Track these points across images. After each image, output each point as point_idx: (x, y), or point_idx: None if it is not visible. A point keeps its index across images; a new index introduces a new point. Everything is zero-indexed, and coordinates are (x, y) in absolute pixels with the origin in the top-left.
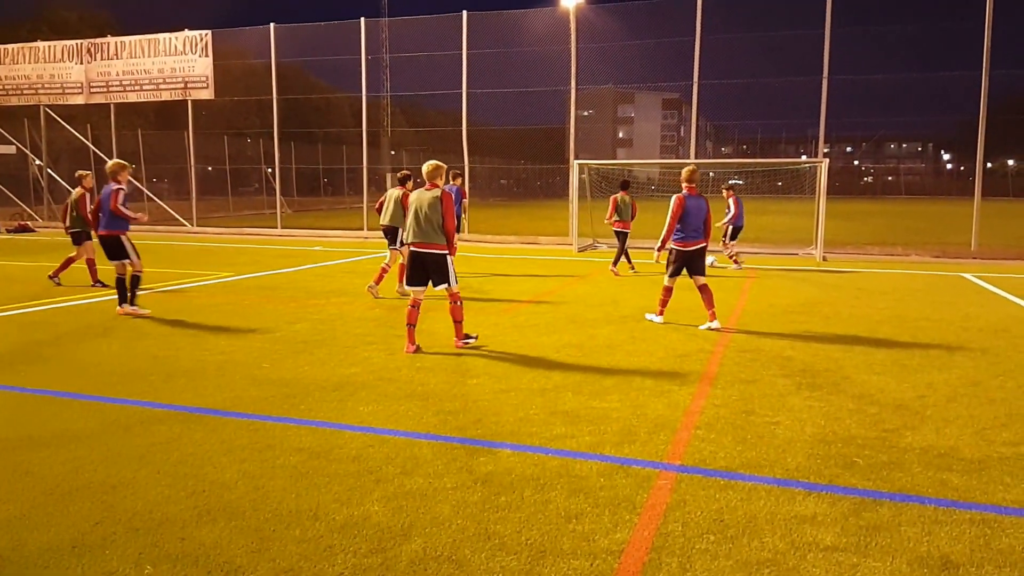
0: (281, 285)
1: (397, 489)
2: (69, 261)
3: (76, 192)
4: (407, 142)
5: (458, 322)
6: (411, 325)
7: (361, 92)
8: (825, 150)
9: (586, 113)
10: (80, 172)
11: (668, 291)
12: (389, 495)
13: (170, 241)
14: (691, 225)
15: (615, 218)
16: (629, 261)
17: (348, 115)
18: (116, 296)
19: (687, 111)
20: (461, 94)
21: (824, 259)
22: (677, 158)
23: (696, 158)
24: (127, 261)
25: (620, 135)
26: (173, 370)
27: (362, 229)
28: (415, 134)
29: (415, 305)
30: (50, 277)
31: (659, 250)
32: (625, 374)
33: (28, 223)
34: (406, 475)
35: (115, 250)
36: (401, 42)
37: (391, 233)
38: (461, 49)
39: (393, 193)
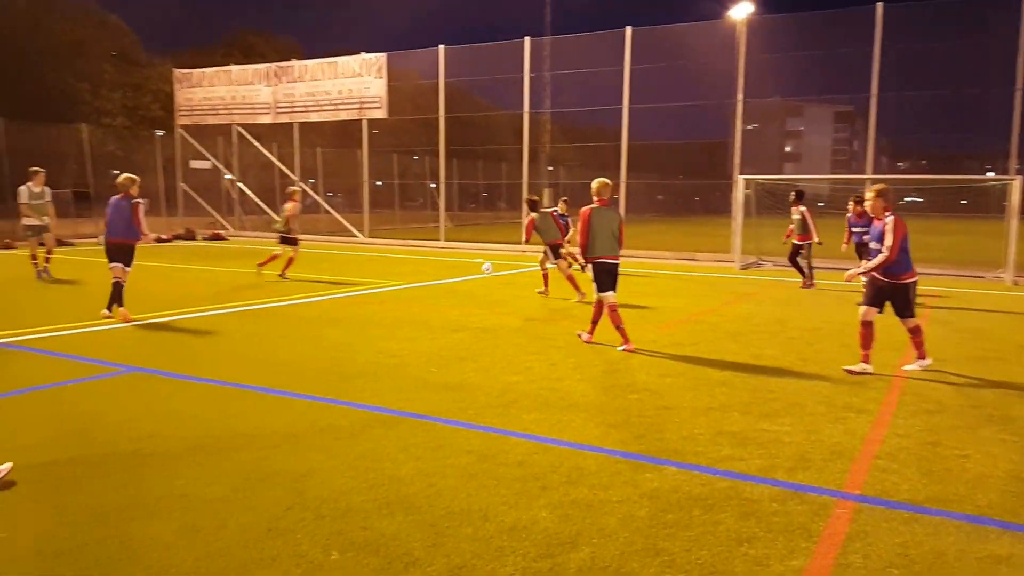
0: (445, 294)
1: (563, 497)
2: (290, 261)
3: (289, 206)
4: (565, 158)
5: (618, 327)
6: (618, 327)
7: (522, 110)
8: (1016, 167)
9: (750, 127)
10: (291, 188)
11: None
12: (555, 503)
13: (343, 251)
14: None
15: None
16: (804, 274)
17: (508, 132)
18: (290, 302)
19: (860, 124)
20: (621, 110)
21: (1016, 283)
22: (849, 173)
23: (872, 173)
24: (127, 268)
25: (787, 149)
26: (351, 371)
27: (520, 243)
28: (573, 150)
29: (614, 309)
30: (280, 276)
31: (860, 274)
32: (796, 397)
33: (221, 232)
34: (571, 484)
35: (125, 256)
36: (562, 59)
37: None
38: (623, 65)
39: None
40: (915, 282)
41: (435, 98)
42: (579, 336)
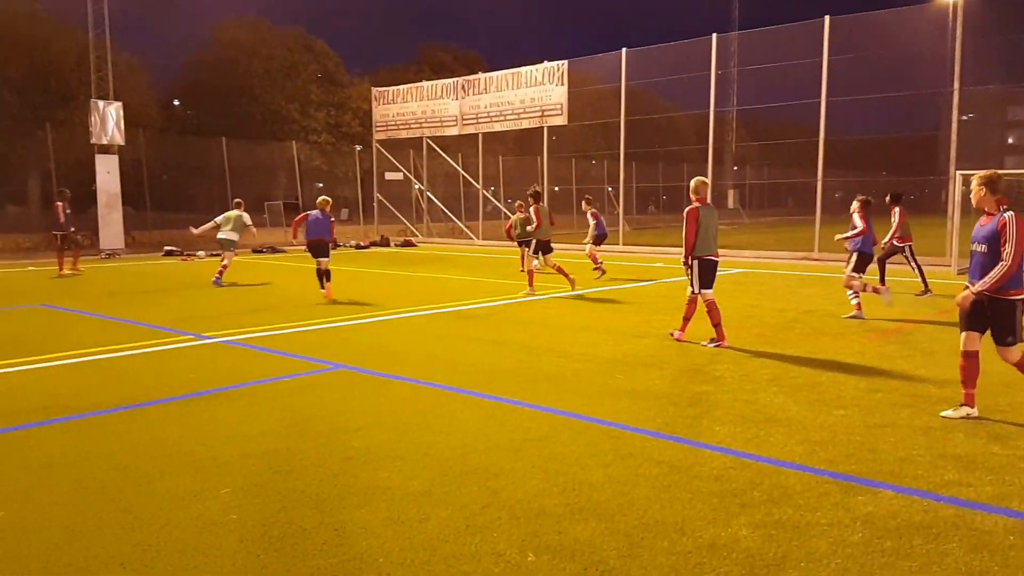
0: (625, 299)
1: (765, 517)
2: (560, 269)
3: (518, 215)
4: (751, 157)
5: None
6: (717, 325)
7: (705, 109)
8: None
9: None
10: (519, 202)
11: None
12: (757, 521)
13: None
14: None
15: None
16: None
17: (690, 132)
18: (472, 305)
19: None
20: (818, 104)
21: None
22: None
23: None
24: (326, 259)
25: (1009, 140)
26: (535, 373)
27: None
28: (759, 148)
29: (714, 306)
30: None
31: (976, 293)
32: None
33: (411, 239)
34: (774, 503)
35: (324, 251)
36: (750, 55)
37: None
38: (820, 57)
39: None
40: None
41: (615, 101)
42: (671, 335)
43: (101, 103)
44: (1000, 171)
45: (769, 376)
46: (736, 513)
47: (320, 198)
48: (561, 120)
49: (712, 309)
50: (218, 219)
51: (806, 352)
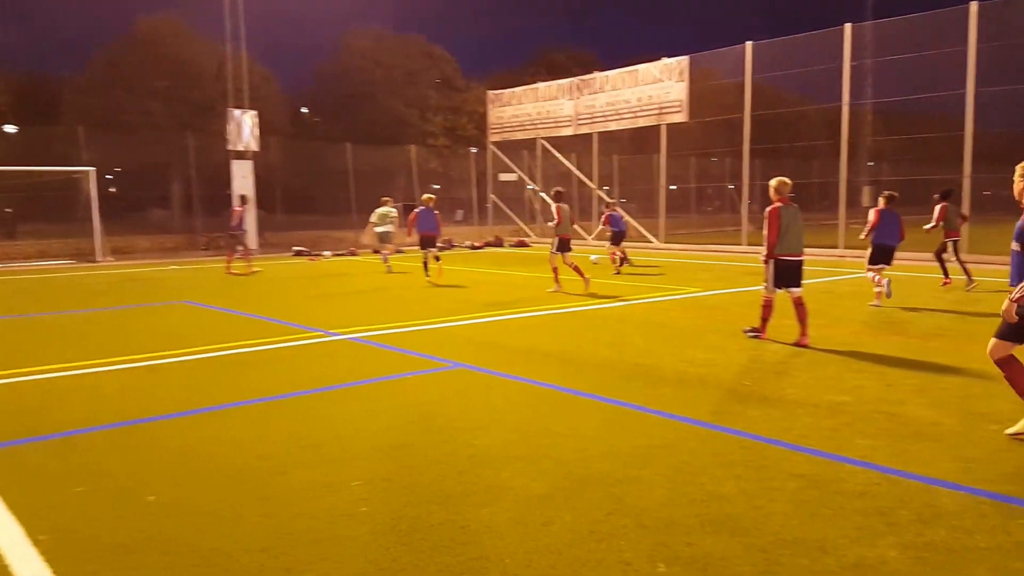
0: (750, 302)
1: (915, 538)
2: (577, 268)
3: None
4: (888, 152)
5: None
6: (802, 321)
7: (838, 102)
8: None
9: None
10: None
11: None
12: (906, 543)
13: (638, 257)
14: None
15: None
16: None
17: (820, 127)
18: (593, 307)
19: None
20: (963, 95)
21: None
22: None
23: None
24: (433, 250)
25: None
26: (657, 377)
27: (836, 247)
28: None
29: (801, 303)
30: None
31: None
32: None
33: (524, 239)
34: (924, 524)
35: (432, 243)
36: (886, 44)
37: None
38: (965, 45)
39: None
40: None
41: (738, 96)
42: (746, 333)
43: (237, 112)
44: None
45: (914, 386)
46: (882, 533)
47: (424, 195)
48: (681, 117)
49: (798, 307)
50: (372, 218)
51: (956, 361)
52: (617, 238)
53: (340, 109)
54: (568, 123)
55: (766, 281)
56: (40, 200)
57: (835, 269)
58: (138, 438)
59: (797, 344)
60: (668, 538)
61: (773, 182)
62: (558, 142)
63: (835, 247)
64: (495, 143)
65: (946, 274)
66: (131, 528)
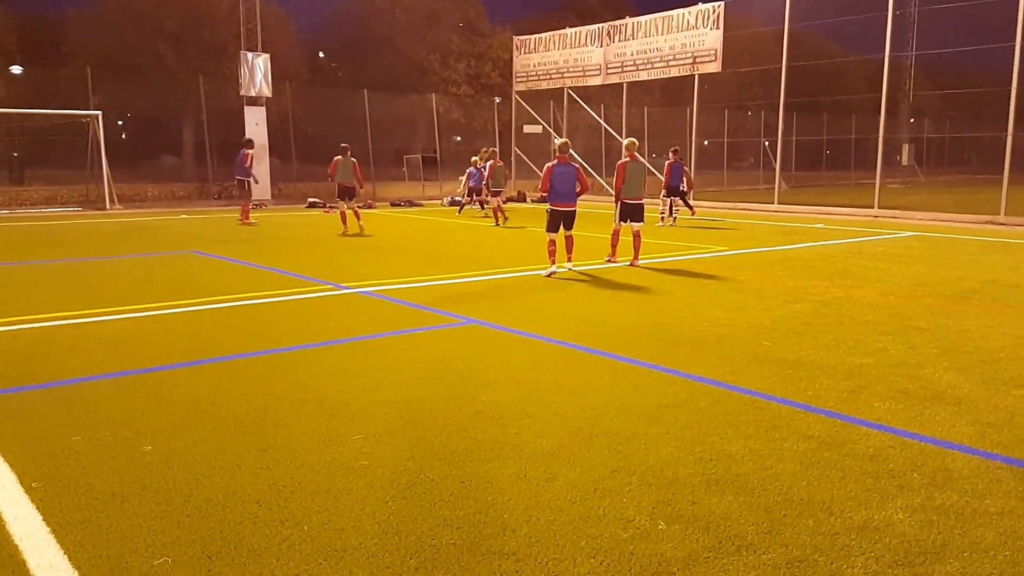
0: (778, 262)
1: (925, 501)
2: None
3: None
4: (930, 109)
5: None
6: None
7: (881, 54)
8: None
9: None
10: (492, 149)
11: None
12: (916, 506)
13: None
14: None
15: None
16: None
17: (860, 80)
18: (612, 265)
19: None
20: (1012, 48)
21: None
22: None
23: None
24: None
25: None
26: (675, 337)
27: (872, 207)
28: (940, 98)
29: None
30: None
31: None
32: None
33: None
34: (936, 487)
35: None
36: None
37: None
38: None
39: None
40: None
41: (775, 46)
42: (607, 260)
43: (250, 55)
44: None
45: (939, 350)
46: (892, 495)
47: (484, 149)
48: (715, 67)
49: (636, 236)
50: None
51: (984, 326)
52: (672, 191)
53: (359, 54)
54: (597, 72)
55: (615, 217)
56: (48, 144)
57: (867, 229)
58: (140, 388)
59: (631, 264)
60: (672, 496)
61: (625, 141)
62: (586, 92)
63: (871, 207)
64: (520, 92)
65: None
66: (126, 477)
